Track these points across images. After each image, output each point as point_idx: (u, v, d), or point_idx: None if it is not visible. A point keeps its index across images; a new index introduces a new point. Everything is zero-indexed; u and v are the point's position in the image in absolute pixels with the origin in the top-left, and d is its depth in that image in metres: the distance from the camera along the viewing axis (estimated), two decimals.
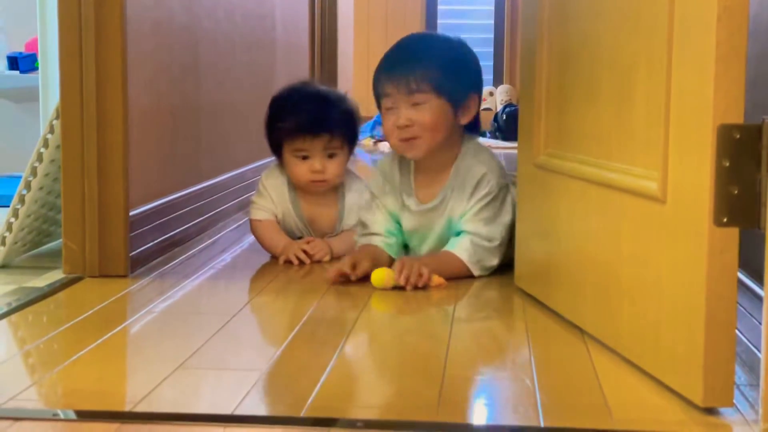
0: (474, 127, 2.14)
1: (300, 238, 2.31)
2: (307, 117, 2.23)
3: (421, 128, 2.02)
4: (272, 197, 2.30)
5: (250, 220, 2.33)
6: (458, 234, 2.08)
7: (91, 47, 2.00)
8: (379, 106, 2.11)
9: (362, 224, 2.18)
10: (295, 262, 2.19)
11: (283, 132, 2.25)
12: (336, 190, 2.31)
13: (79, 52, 2.00)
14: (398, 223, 2.16)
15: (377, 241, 2.12)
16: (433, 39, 2.22)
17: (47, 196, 2.17)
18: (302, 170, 2.25)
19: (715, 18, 1.21)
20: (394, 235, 2.15)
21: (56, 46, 2.04)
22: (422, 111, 2.02)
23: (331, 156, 2.25)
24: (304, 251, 2.20)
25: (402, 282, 1.93)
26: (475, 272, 2.04)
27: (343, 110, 2.28)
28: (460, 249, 2.04)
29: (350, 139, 2.29)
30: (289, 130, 2.24)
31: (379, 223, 2.14)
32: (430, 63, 2.05)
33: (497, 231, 2.06)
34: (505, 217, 2.07)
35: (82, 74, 2.00)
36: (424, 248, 2.15)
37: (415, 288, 1.93)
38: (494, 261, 2.05)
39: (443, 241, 2.11)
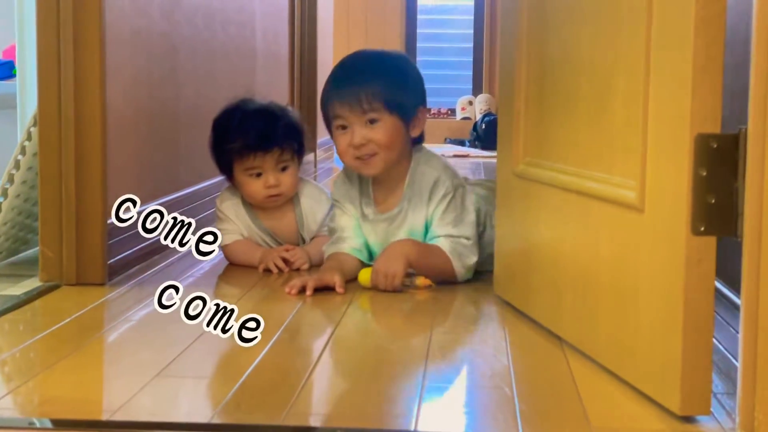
0: (420, 137, 2.16)
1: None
2: (255, 134, 2.22)
3: (377, 146, 2.05)
4: (232, 219, 2.30)
5: (221, 249, 2.31)
6: (430, 240, 2.11)
7: (69, 54, 1.99)
8: (329, 127, 2.12)
9: (330, 231, 2.20)
10: (274, 270, 2.19)
11: (232, 153, 2.23)
12: (290, 199, 2.30)
13: (57, 59, 1.99)
14: (360, 235, 2.17)
15: (345, 247, 2.13)
16: (375, 56, 2.21)
17: (24, 203, 2.16)
18: (257, 187, 2.23)
19: (693, 28, 1.22)
20: (361, 236, 2.16)
21: (34, 53, 2.03)
22: (376, 129, 2.05)
23: (283, 169, 2.24)
24: (283, 259, 2.20)
25: (381, 288, 1.97)
26: (457, 267, 2.05)
27: (288, 122, 2.28)
28: (441, 243, 2.07)
29: (299, 149, 2.28)
30: (239, 149, 2.22)
31: (346, 227, 2.15)
32: (378, 81, 2.07)
33: (467, 230, 2.08)
34: (470, 216, 2.09)
35: (60, 81, 2.00)
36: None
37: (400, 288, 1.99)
38: (473, 258, 2.07)
39: None
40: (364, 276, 2.01)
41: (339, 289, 1.97)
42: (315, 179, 4.36)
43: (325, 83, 2.15)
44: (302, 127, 2.32)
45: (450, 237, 2.07)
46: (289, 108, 2.37)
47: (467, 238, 2.07)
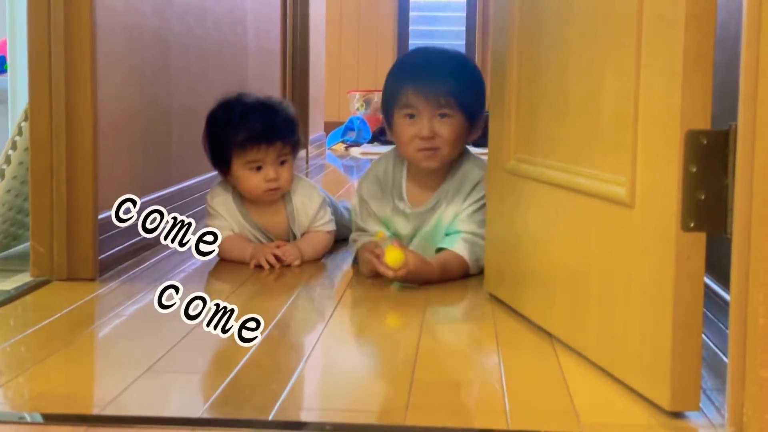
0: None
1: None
2: (260, 126, 2.20)
3: (442, 141, 2.08)
4: (223, 215, 2.29)
5: None
6: (449, 233, 2.12)
7: (60, 50, 1.99)
8: (387, 111, 2.14)
9: (359, 229, 2.21)
10: (266, 266, 2.19)
11: (234, 145, 2.21)
12: (282, 195, 2.30)
13: (48, 55, 1.99)
14: (388, 227, 2.19)
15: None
16: (454, 56, 2.22)
17: (15, 198, 2.15)
18: (256, 181, 2.22)
19: (683, 25, 1.22)
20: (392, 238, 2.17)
21: (25, 49, 2.03)
22: (446, 124, 2.08)
23: (282, 163, 2.24)
24: (275, 255, 2.20)
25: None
26: (473, 270, 2.08)
27: (288, 116, 2.28)
28: (461, 248, 2.08)
29: (296, 145, 2.29)
30: (242, 142, 2.20)
31: (373, 226, 2.18)
32: (456, 79, 2.11)
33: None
34: None
35: (51, 77, 1.99)
36: (411, 246, 2.16)
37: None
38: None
39: (429, 239, 2.15)
40: (394, 255, 1.97)
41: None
42: (307, 176, 4.36)
43: (395, 69, 2.18)
44: (298, 121, 2.33)
45: (470, 234, 2.08)
46: (285, 102, 2.37)
47: (484, 239, 2.08)
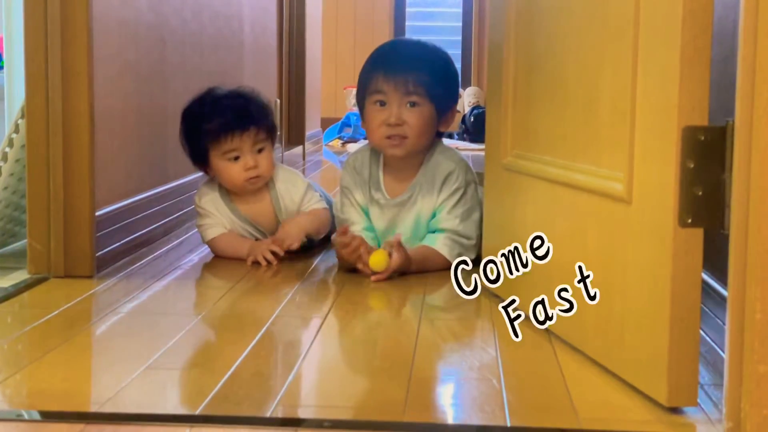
0: (439, 133, 2.22)
1: (257, 240, 2.30)
2: (231, 114, 2.21)
3: (409, 129, 2.10)
4: (213, 213, 2.29)
5: (207, 244, 2.31)
6: (433, 232, 2.14)
7: (56, 46, 1.98)
8: (361, 101, 2.17)
9: (339, 221, 2.23)
10: (263, 263, 2.18)
11: (209, 135, 2.21)
12: (266, 184, 2.30)
13: (45, 51, 1.99)
14: (367, 216, 2.21)
15: (356, 229, 2.16)
16: (427, 47, 2.24)
17: (12, 196, 2.15)
18: (236, 171, 2.22)
19: (680, 20, 1.22)
20: (371, 230, 2.19)
21: (22, 45, 2.03)
22: (414, 113, 2.10)
23: (259, 151, 2.24)
24: (273, 252, 2.20)
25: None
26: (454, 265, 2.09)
27: (259, 102, 2.29)
28: (441, 245, 2.10)
29: (272, 132, 2.28)
30: (215, 131, 2.21)
31: (357, 220, 2.19)
32: (428, 69, 2.13)
33: (472, 229, 2.13)
34: (476, 214, 2.13)
35: (48, 73, 1.99)
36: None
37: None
38: (472, 257, 2.08)
39: (412, 238, 2.16)
40: (377, 259, 2.01)
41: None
42: (303, 172, 4.36)
43: (369, 58, 2.19)
44: (271, 108, 2.33)
45: (453, 233, 2.11)
46: (256, 91, 2.37)
47: (468, 238, 2.12)
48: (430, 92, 2.10)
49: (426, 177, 2.16)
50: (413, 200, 2.17)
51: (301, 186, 2.31)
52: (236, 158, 2.22)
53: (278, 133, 2.34)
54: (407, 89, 2.09)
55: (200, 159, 2.27)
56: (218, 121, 2.21)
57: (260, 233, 2.31)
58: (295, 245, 2.21)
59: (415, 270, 2.07)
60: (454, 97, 2.25)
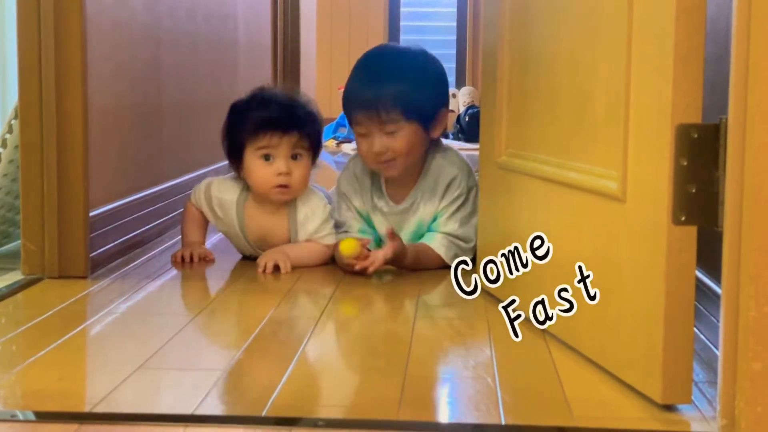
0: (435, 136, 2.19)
1: (251, 257, 2.22)
2: (277, 112, 2.12)
3: (396, 153, 2.09)
4: (217, 212, 2.21)
5: (187, 203, 2.27)
6: (430, 230, 2.15)
7: (50, 46, 1.98)
8: (349, 123, 2.17)
9: (336, 224, 2.21)
10: (178, 261, 2.19)
11: (249, 127, 2.11)
12: (288, 202, 2.18)
13: (38, 51, 1.98)
14: (369, 223, 2.21)
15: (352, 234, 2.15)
16: (396, 58, 2.22)
17: (6, 196, 2.15)
18: (266, 173, 2.10)
19: (674, 19, 1.22)
20: (366, 233, 2.18)
21: (15, 46, 2.02)
22: (396, 138, 2.09)
23: (295, 157, 2.12)
24: (191, 257, 2.20)
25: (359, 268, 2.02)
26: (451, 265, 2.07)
27: (310, 111, 2.19)
28: (438, 245, 2.11)
29: (315, 144, 2.17)
30: (257, 125, 2.10)
31: (353, 225, 2.19)
32: (396, 88, 2.09)
33: (470, 232, 2.13)
34: (475, 218, 2.12)
35: (41, 73, 1.99)
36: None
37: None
38: (467, 257, 2.06)
39: (412, 242, 2.17)
40: (348, 245, 2.00)
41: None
42: None
43: (347, 86, 2.17)
44: (321, 123, 2.23)
45: (450, 236, 2.11)
46: (313, 102, 2.25)
47: (467, 241, 2.12)
48: (406, 112, 2.07)
49: (428, 182, 2.16)
50: (416, 207, 2.17)
51: (320, 216, 2.17)
52: (268, 158, 2.11)
53: (321, 147, 2.21)
54: (381, 119, 2.07)
55: (235, 154, 2.16)
56: (262, 114, 2.12)
57: (260, 251, 2.21)
58: (267, 270, 2.10)
59: (410, 265, 2.08)
60: (440, 101, 2.18)
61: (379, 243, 2.18)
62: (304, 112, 2.16)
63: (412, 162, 2.13)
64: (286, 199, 2.16)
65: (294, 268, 2.12)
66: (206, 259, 2.22)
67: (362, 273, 2.02)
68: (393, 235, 2.04)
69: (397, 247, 2.04)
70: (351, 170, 2.21)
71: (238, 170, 2.18)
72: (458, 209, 2.13)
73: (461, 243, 2.12)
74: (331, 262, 2.17)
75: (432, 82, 2.17)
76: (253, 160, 2.13)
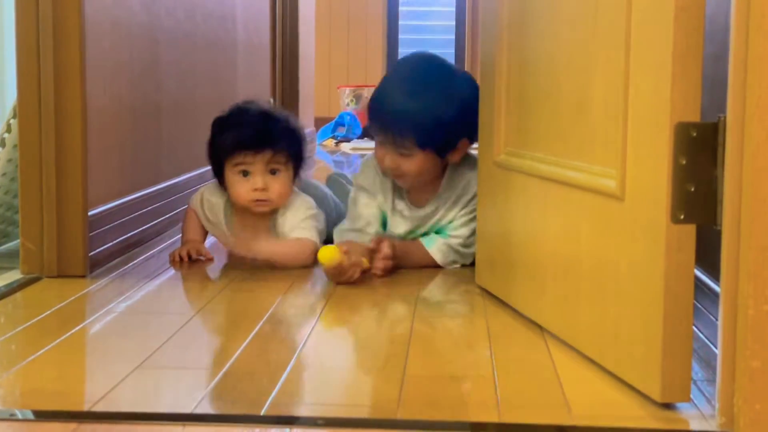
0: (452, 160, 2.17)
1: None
2: (248, 132, 2.14)
3: (407, 172, 2.10)
4: (207, 215, 2.25)
5: (188, 207, 2.30)
6: (437, 232, 2.15)
7: (48, 45, 1.98)
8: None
9: (349, 218, 2.18)
10: (176, 260, 2.19)
11: (224, 146, 2.16)
12: (272, 212, 2.20)
13: (37, 51, 1.98)
14: (383, 224, 2.19)
15: (365, 240, 2.09)
16: (428, 79, 2.11)
17: (5, 196, 2.15)
18: (244, 189, 2.15)
19: (673, 17, 1.22)
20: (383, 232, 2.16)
21: (13, 45, 2.02)
22: (408, 161, 2.08)
23: (273, 173, 2.15)
24: (189, 255, 2.20)
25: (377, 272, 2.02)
26: (446, 266, 2.11)
27: (287, 127, 2.19)
28: (436, 250, 2.11)
29: (295, 158, 2.19)
30: (231, 145, 2.15)
31: (372, 221, 2.16)
32: (416, 118, 2.05)
33: (474, 238, 2.06)
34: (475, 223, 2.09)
35: (40, 73, 1.99)
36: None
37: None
38: (467, 262, 2.12)
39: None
40: (326, 254, 1.93)
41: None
42: None
43: (378, 85, 2.16)
44: (303, 136, 2.24)
45: (455, 243, 2.11)
46: (293, 117, 2.29)
47: (470, 246, 2.11)
48: (421, 143, 2.05)
49: (455, 193, 2.15)
50: (436, 213, 2.16)
51: (302, 213, 2.18)
52: (246, 174, 2.14)
53: (304, 160, 2.23)
54: (395, 142, 2.07)
55: (217, 168, 2.22)
56: (234, 134, 2.15)
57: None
58: (243, 254, 2.13)
59: (398, 263, 2.06)
60: (463, 132, 2.08)
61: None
62: (279, 128, 2.17)
63: (422, 181, 2.13)
64: (266, 210, 2.19)
65: (282, 266, 2.11)
66: (204, 257, 2.22)
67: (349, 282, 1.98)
68: (380, 240, 2.03)
69: (388, 255, 2.03)
70: (373, 168, 2.19)
71: (222, 182, 2.23)
72: (473, 219, 2.08)
73: (464, 249, 2.11)
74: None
75: (458, 112, 2.06)
76: (231, 175, 2.18)
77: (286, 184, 2.17)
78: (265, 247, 2.13)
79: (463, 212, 2.14)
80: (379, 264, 2.02)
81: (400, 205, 2.17)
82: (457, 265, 2.12)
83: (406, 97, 2.08)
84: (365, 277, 2.02)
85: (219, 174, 2.22)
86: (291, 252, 2.14)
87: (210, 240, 2.33)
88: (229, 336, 1.70)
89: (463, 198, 2.14)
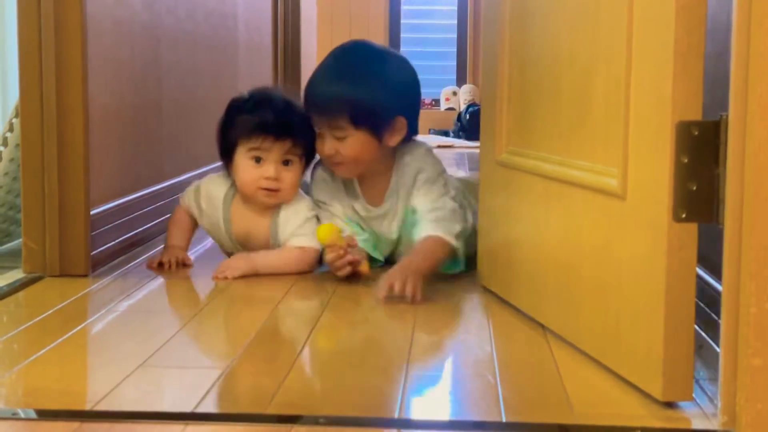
0: (409, 135, 2.13)
1: (231, 254, 2.16)
2: (273, 117, 2.08)
3: (345, 157, 2.07)
4: (202, 206, 2.17)
5: (178, 205, 2.22)
6: (416, 221, 2.08)
7: (50, 45, 1.98)
8: None
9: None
10: (153, 266, 2.11)
11: (243, 128, 2.07)
12: (274, 207, 2.13)
13: (39, 50, 1.98)
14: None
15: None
16: (360, 58, 2.15)
17: (7, 195, 2.15)
18: (254, 175, 2.06)
19: (674, 15, 1.22)
20: (363, 231, 2.14)
21: (15, 44, 2.02)
22: (344, 144, 2.06)
23: (286, 163, 2.08)
24: (170, 262, 2.13)
25: (396, 293, 1.85)
26: (456, 243, 2.00)
27: (306, 120, 2.11)
28: (427, 229, 2.00)
29: (308, 152, 2.13)
30: (251, 127, 2.06)
31: (343, 225, 2.12)
32: (348, 93, 2.05)
33: (445, 201, 2.06)
34: (451, 192, 2.10)
35: (42, 72, 1.99)
36: (387, 240, 2.16)
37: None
38: (457, 226, 2.02)
39: (403, 230, 2.13)
40: (323, 231, 1.97)
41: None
42: None
43: (306, 86, 2.15)
44: (315, 132, 2.13)
45: (426, 212, 2.05)
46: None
47: (444, 207, 2.04)
48: (355, 120, 2.04)
49: (399, 183, 2.12)
50: (394, 209, 2.13)
51: (302, 216, 2.11)
52: (259, 161, 2.07)
53: (315, 158, 2.16)
54: (330, 125, 2.05)
55: (227, 150, 2.12)
56: (257, 117, 2.07)
57: (241, 251, 2.16)
58: (229, 277, 2.03)
59: (426, 270, 1.93)
60: (398, 109, 2.09)
61: (375, 242, 2.14)
62: (299, 119, 2.11)
63: (361, 168, 2.10)
64: (273, 202, 2.11)
65: (272, 274, 2.05)
66: (185, 265, 2.15)
67: (353, 277, 1.97)
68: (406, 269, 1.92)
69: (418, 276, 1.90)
70: (320, 176, 2.17)
71: (228, 166, 2.14)
72: (429, 191, 2.08)
73: (438, 212, 2.03)
74: (321, 267, 2.12)
75: (390, 89, 2.09)
76: (243, 159, 2.09)
77: (297, 177, 2.11)
78: (264, 261, 2.08)
79: (420, 192, 2.08)
80: (412, 296, 1.86)
81: (358, 206, 2.15)
82: (458, 241, 2.01)
83: (337, 77, 2.10)
84: (364, 277, 2.00)
85: (227, 157, 2.13)
86: (291, 263, 2.08)
87: (209, 246, 2.33)
88: (231, 335, 1.70)
89: (416, 185, 2.09)
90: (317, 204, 2.16)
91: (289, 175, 2.09)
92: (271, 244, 2.13)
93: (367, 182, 2.15)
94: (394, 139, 2.09)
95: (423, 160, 2.12)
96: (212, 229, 2.20)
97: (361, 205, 2.15)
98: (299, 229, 2.09)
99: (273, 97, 2.15)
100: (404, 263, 1.92)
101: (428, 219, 2.04)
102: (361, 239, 2.10)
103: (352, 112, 2.04)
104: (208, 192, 2.17)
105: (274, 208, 2.13)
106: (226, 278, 2.02)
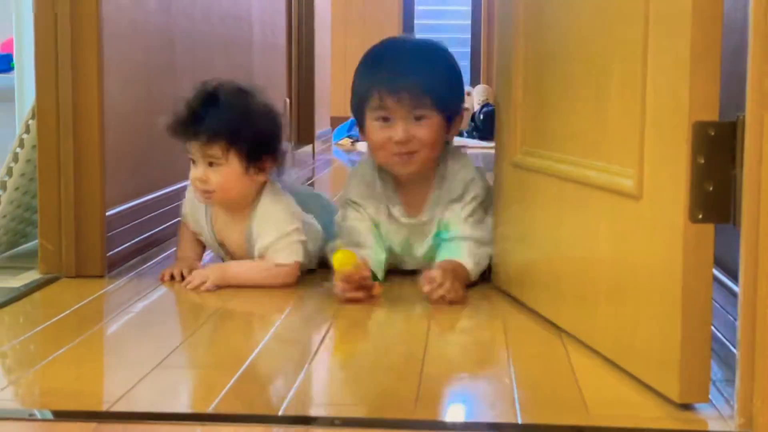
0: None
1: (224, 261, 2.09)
2: (185, 115, 1.93)
3: (419, 144, 1.94)
4: (190, 215, 2.09)
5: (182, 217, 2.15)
6: (446, 238, 2.00)
7: (66, 47, 1.99)
8: (360, 115, 2.01)
9: (340, 230, 2.04)
10: (165, 279, 2.00)
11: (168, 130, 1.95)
12: (249, 204, 2.00)
13: (55, 52, 1.99)
14: (378, 231, 2.05)
15: (366, 254, 1.95)
16: (426, 49, 2.06)
17: (23, 196, 2.16)
18: (192, 177, 1.96)
19: (690, 16, 1.22)
20: (383, 251, 2.01)
21: (32, 46, 2.03)
22: (423, 127, 1.94)
23: (211, 164, 1.94)
24: (182, 274, 2.01)
25: (433, 298, 1.82)
26: (473, 277, 1.94)
27: (229, 115, 1.93)
28: (465, 257, 1.93)
29: (236, 146, 1.92)
30: (170, 127, 1.95)
31: (365, 233, 2.01)
32: (433, 77, 1.97)
33: (487, 233, 1.98)
34: (489, 219, 2.00)
35: (58, 74, 1.99)
36: (413, 257, 2.07)
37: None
38: (487, 262, 1.98)
39: (431, 248, 2.04)
40: (342, 258, 1.84)
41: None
42: (312, 172, 4.36)
43: (363, 66, 2.02)
44: (269, 127, 1.98)
45: (470, 240, 1.96)
46: (267, 105, 2.02)
47: (486, 244, 1.97)
48: (438, 102, 1.94)
49: (443, 189, 2.01)
50: (434, 219, 2.02)
51: (281, 228, 1.96)
52: (194, 163, 1.97)
53: (245, 146, 1.93)
54: (412, 103, 1.92)
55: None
56: (174, 118, 1.96)
57: (228, 258, 2.08)
58: (200, 287, 1.92)
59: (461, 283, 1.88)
60: (462, 99, 2.09)
61: (389, 253, 2.03)
62: (217, 115, 1.92)
63: (430, 160, 1.98)
64: (214, 202, 2.00)
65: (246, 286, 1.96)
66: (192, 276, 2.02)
67: (357, 301, 1.84)
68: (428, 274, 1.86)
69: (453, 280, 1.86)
70: (360, 176, 2.06)
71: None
72: (474, 211, 2.00)
73: (481, 247, 1.96)
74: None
75: (458, 81, 2.05)
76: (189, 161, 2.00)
77: (228, 176, 1.94)
78: (236, 273, 1.97)
79: (465, 209, 1.99)
80: (443, 296, 1.83)
81: (396, 211, 2.03)
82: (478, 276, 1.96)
83: (421, 55, 2.02)
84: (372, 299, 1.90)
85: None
86: (268, 278, 1.95)
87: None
88: (246, 336, 1.70)
89: (463, 196, 2.00)
90: (348, 204, 2.05)
91: (215, 176, 1.94)
92: (246, 248, 2.02)
93: (408, 186, 2.04)
94: (454, 132, 2.03)
95: (475, 172, 2.03)
96: (204, 236, 2.10)
97: (399, 210, 2.03)
98: (278, 243, 1.96)
99: (205, 91, 1.99)
100: (446, 266, 1.87)
101: (469, 247, 1.95)
102: (380, 261, 1.98)
103: (436, 93, 1.94)
104: (191, 199, 2.09)
105: (248, 214, 2.00)
106: (196, 289, 1.92)
